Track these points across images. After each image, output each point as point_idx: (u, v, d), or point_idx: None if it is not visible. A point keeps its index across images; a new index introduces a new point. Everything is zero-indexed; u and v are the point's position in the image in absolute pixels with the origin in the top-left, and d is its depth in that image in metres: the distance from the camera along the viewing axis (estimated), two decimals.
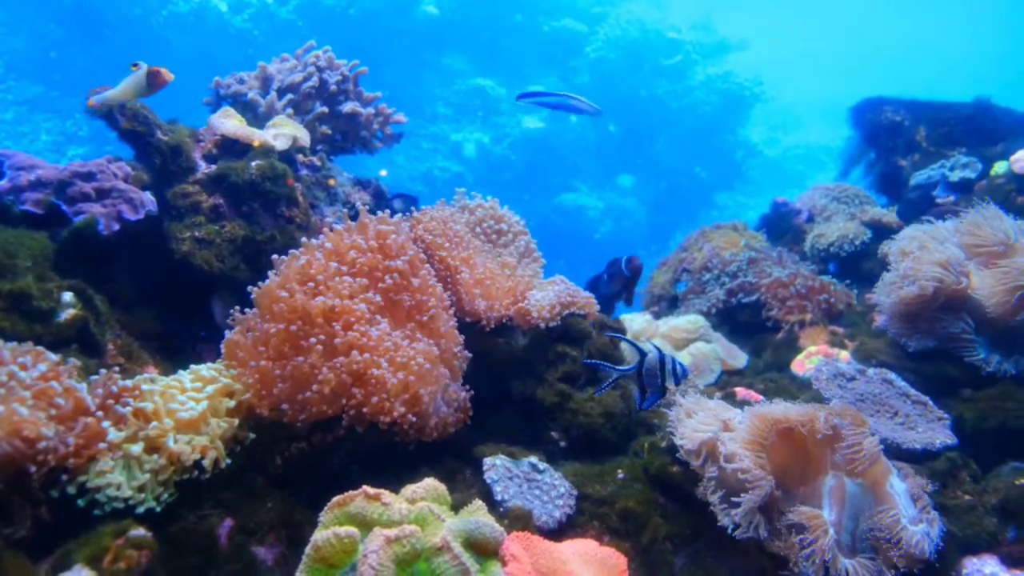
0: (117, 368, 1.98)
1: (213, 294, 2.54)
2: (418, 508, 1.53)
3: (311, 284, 1.99)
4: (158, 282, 2.49)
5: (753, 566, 1.84)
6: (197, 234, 2.44)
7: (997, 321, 2.50)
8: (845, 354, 2.97)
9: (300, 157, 2.98)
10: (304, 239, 2.16)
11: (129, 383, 1.77)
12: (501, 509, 1.87)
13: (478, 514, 1.59)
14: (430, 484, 1.66)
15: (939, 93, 4.44)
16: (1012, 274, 2.46)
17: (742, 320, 3.59)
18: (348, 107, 3.31)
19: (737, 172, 16.13)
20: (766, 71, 16.24)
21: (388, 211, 2.29)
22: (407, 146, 12.49)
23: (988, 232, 2.60)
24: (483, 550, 1.50)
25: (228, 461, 1.79)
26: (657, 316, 3.82)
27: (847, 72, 24.83)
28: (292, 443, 1.96)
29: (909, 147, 4.22)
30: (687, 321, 3.42)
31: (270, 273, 2.08)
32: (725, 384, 3.01)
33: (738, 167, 16.12)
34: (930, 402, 2.48)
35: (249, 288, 2.07)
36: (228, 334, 2.03)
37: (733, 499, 1.79)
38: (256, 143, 2.72)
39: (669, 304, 4.14)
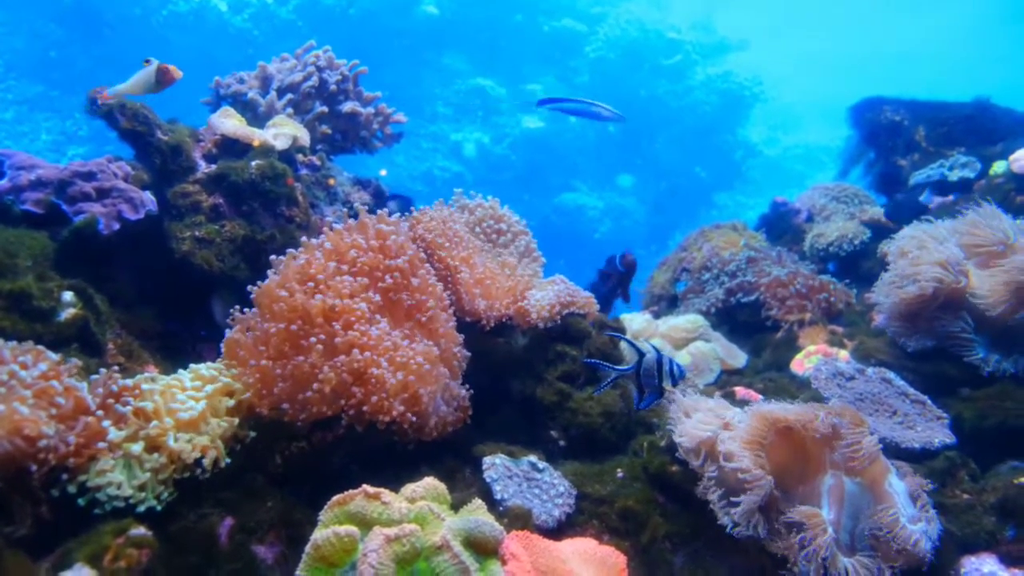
0: (117, 367, 1.98)
1: (213, 293, 2.54)
2: (418, 507, 1.53)
3: (311, 284, 2.00)
4: (158, 281, 2.50)
5: (752, 565, 1.85)
6: (197, 233, 2.44)
7: (996, 320, 2.50)
8: (844, 353, 2.97)
9: (300, 157, 2.98)
10: (304, 238, 2.16)
11: (129, 382, 1.77)
12: (501, 508, 1.87)
13: (478, 513, 1.59)
14: (430, 483, 1.66)
15: (938, 93, 4.45)
16: (1011, 272, 2.46)
17: (741, 319, 3.60)
18: (348, 107, 3.31)
19: (737, 172, 16.15)
20: (766, 71, 16.26)
21: (387, 210, 2.30)
22: (407, 146, 12.49)
23: (987, 232, 2.60)
24: (483, 549, 1.50)
25: (228, 460, 1.79)
26: (657, 316, 3.82)
27: (847, 72, 24.83)
28: (292, 442, 1.96)
29: (908, 147, 4.22)
30: (687, 320, 3.42)
31: (269, 272, 2.08)
32: (724, 383, 3.01)
33: (738, 167, 16.13)
34: (929, 401, 2.49)
35: (249, 288, 2.07)
36: (228, 333, 2.03)
37: (732, 498, 1.79)
38: (256, 143, 2.73)
39: (669, 304, 4.14)
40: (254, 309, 2.04)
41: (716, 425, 1.90)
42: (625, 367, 2.08)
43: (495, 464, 2.00)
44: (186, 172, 2.59)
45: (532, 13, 15.43)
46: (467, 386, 2.23)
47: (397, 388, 1.89)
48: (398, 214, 2.33)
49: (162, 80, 2.38)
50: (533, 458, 2.07)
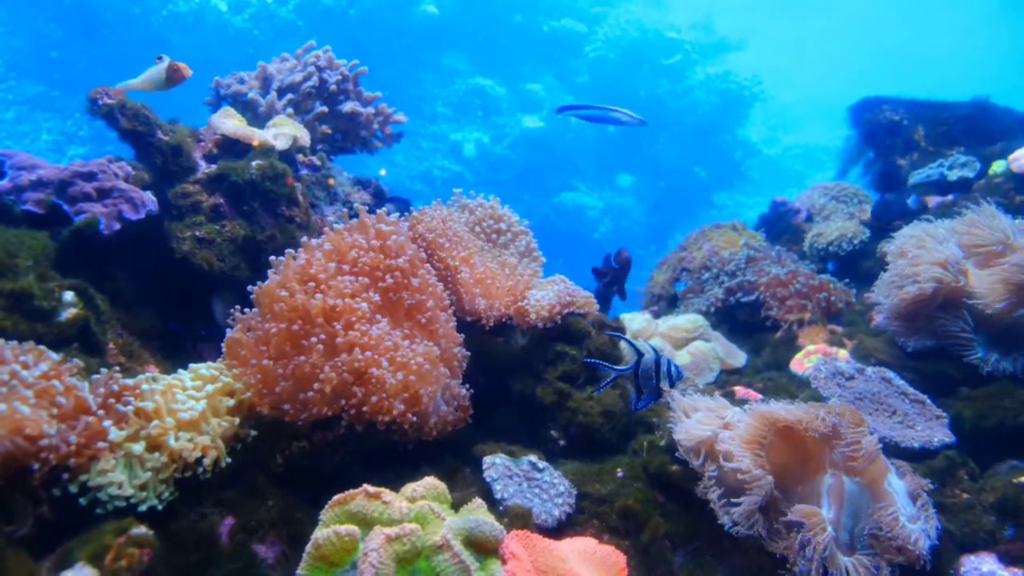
0: (118, 367, 1.98)
1: (214, 293, 2.54)
2: (418, 506, 1.54)
3: (311, 284, 2.00)
4: (159, 281, 2.50)
5: (752, 564, 1.85)
6: (198, 233, 2.44)
7: (995, 320, 2.51)
8: (844, 353, 2.98)
9: (300, 157, 2.98)
10: (304, 238, 2.17)
11: (130, 382, 1.77)
12: (501, 508, 1.87)
13: (478, 512, 1.60)
14: (430, 483, 1.66)
15: (938, 93, 4.45)
16: (1010, 271, 2.46)
17: (741, 319, 3.60)
18: (348, 107, 3.32)
19: (736, 172, 16.16)
20: (765, 71, 16.26)
21: (388, 206, 2.30)
22: (407, 146, 12.49)
23: (987, 232, 2.61)
24: (483, 548, 1.51)
25: (229, 460, 1.80)
26: (656, 315, 3.82)
27: (846, 72, 24.82)
28: (293, 442, 1.97)
29: (908, 146, 4.23)
30: (686, 320, 3.42)
31: (270, 272, 2.08)
32: (724, 383, 3.02)
33: (737, 167, 16.14)
34: (928, 401, 2.49)
35: (249, 288, 2.08)
36: (229, 333, 2.04)
37: (732, 498, 1.80)
38: (256, 143, 2.73)
39: (668, 303, 4.15)
40: (254, 309, 2.05)
41: (716, 425, 1.90)
42: (624, 367, 2.08)
43: (495, 464, 2.00)
44: (187, 172, 2.60)
45: (532, 13, 15.44)
46: (467, 385, 2.23)
47: (397, 388, 1.90)
48: (397, 214, 2.34)
49: (172, 78, 2.39)
50: (533, 458, 2.07)
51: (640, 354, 2.02)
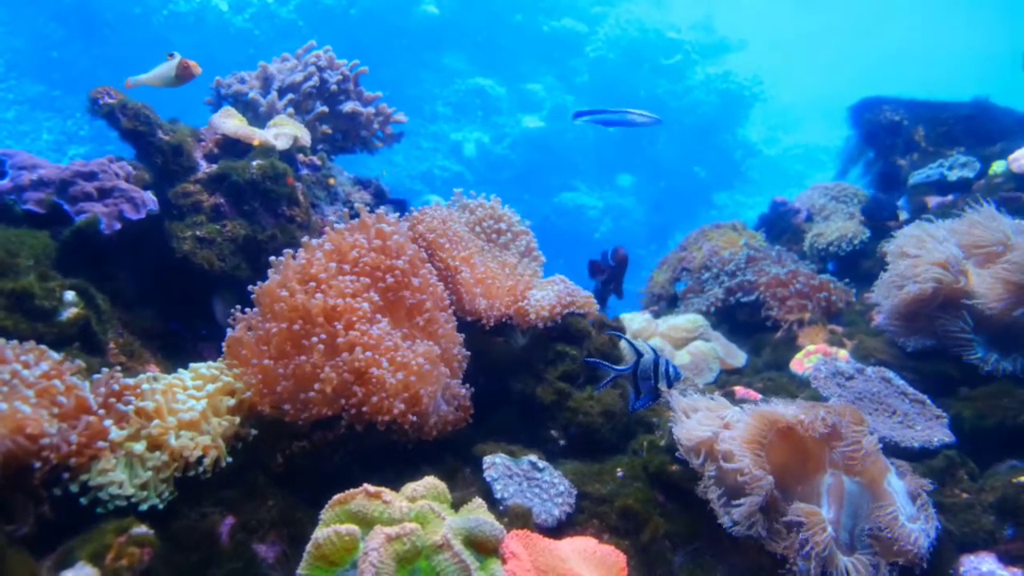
0: (119, 367, 1.99)
1: (214, 293, 2.54)
2: (418, 506, 1.54)
3: (312, 283, 2.00)
4: (159, 281, 2.50)
5: (752, 564, 1.85)
6: (198, 233, 2.44)
7: (995, 319, 2.51)
8: (844, 353, 2.98)
9: (301, 156, 2.99)
10: (305, 238, 2.17)
11: (131, 381, 1.78)
12: (501, 507, 1.88)
13: (478, 512, 1.60)
14: (430, 482, 1.66)
15: (938, 93, 4.46)
16: (1010, 270, 2.47)
17: (741, 319, 3.60)
18: (348, 107, 3.32)
19: (736, 172, 16.15)
20: (765, 71, 16.26)
21: (386, 208, 2.30)
22: (407, 145, 12.49)
23: (987, 232, 2.61)
24: (483, 548, 1.51)
25: (229, 459, 1.80)
26: (657, 315, 3.82)
27: (846, 72, 24.83)
28: (293, 441, 1.97)
29: (908, 146, 4.23)
30: (686, 320, 3.43)
31: (270, 272, 2.09)
32: (724, 383, 3.02)
33: (737, 167, 16.14)
34: (928, 400, 2.49)
35: (250, 287, 2.08)
36: (230, 332, 2.04)
37: (732, 498, 1.80)
38: (257, 142, 2.73)
39: (668, 303, 4.15)
40: (255, 309, 2.05)
41: (716, 425, 1.90)
42: (623, 367, 2.08)
43: (495, 463, 2.00)
44: (187, 172, 2.60)
45: (532, 13, 15.44)
46: (467, 385, 2.23)
47: (398, 388, 1.90)
48: (396, 214, 2.34)
49: (182, 75, 2.40)
50: (533, 457, 2.07)
51: (639, 354, 2.02)
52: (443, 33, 14.72)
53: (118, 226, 2.34)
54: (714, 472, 1.86)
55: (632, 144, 15.43)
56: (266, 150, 2.72)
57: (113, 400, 1.69)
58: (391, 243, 2.18)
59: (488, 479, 1.96)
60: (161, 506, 1.64)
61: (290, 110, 3.16)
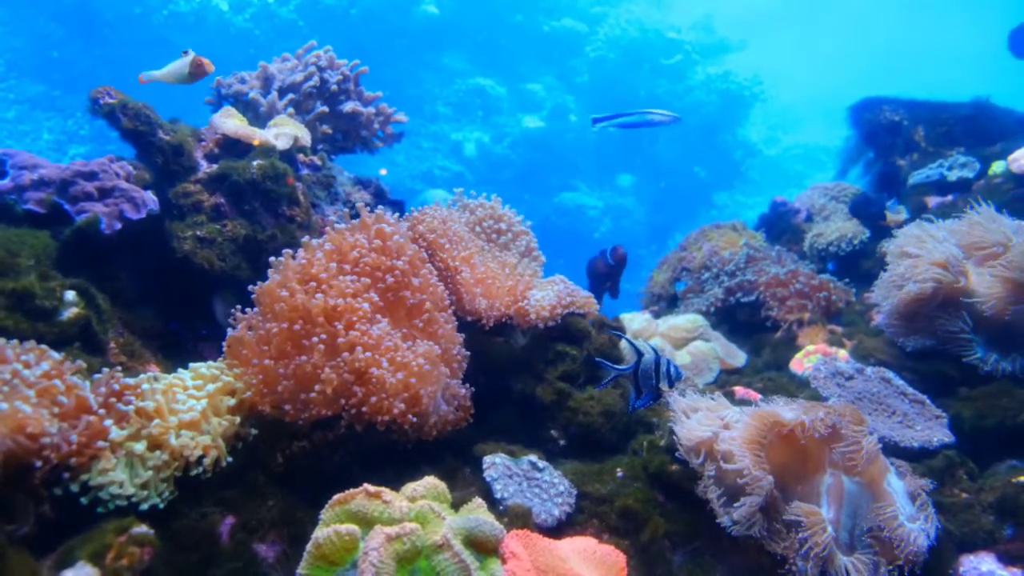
0: (119, 366, 1.99)
1: (215, 293, 2.55)
2: (418, 506, 1.54)
3: (312, 283, 2.00)
4: (160, 281, 2.50)
5: (751, 564, 1.85)
6: (199, 233, 2.45)
7: (994, 319, 2.51)
8: (843, 353, 2.98)
9: (301, 156, 2.99)
10: (305, 238, 2.17)
11: (131, 381, 1.78)
12: (501, 507, 1.88)
13: (478, 512, 1.60)
14: (430, 482, 1.67)
15: (938, 93, 4.45)
16: (1009, 269, 2.47)
17: (741, 319, 3.60)
18: (349, 107, 3.32)
19: (736, 172, 16.16)
20: (765, 71, 16.26)
21: (384, 209, 2.30)
22: (407, 145, 12.50)
23: (987, 232, 2.61)
24: (483, 548, 1.51)
25: (229, 459, 1.80)
26: (656, 315, 3.83)
27: (846, 72, 24.82)
28: (293, 441, 1.97)
29: (907, 146, 4.23)
30: (686, 320, 3.43)
31: (270, 272, 2.09)
32: (724, 383, 3.02)
33: (737, 167, 16.14)
34: (928, 401, 2.50)
35: (250, 287, 2.08)
36: (230, 332, 2.04)
37: (731, 497, 1.80)
38: (257, 142, 2.73)
39: (668, 303, 4.15)
40: (255, 308, 2.05)
41: (716, 425, 1.91)
42: (624, 367, 2.09)
43: (495, 463, 2.01)
44: (188, 172, 2.60)
45: (532, 13, 15.44)
46: (467, 385, 2.24)
47: (397, 388, 1.90)
48: (396, 215, 2.34)
49: (196, 72, 2.40)
50: (533, 457, 2.08)
51: (640, 354, 2.03)
52: (443, 33, 14.73)
53: (119, 226, 2.34)
54: (713, 472, 1.86)
55: (632, 144, 15.43)
56: (266, 150, 2.72)
57: (113, 400, 1.70)
58: (391, 243, 2.18)
59: (488, 479, 1.96)
60: (161, 506, 1.64)
61: (290, 110, 3.16)
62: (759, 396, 2.65)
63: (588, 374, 2.47)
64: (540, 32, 15.56)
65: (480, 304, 2.42)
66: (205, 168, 2.64)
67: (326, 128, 3.30)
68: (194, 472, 1.73)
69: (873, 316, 3.21)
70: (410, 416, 1.91)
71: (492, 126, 14.98)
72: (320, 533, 1.45)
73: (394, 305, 2.14)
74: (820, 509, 1.78)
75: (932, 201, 3.83)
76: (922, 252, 2.67)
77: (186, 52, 2.39)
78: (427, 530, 1.49)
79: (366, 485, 1.55)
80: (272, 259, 2.11)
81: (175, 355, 2.38)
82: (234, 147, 2.75)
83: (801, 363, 3.01)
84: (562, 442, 2.33)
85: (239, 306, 2.09)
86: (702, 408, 2.01)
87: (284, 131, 2.87)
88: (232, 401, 1.89)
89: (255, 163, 2.62)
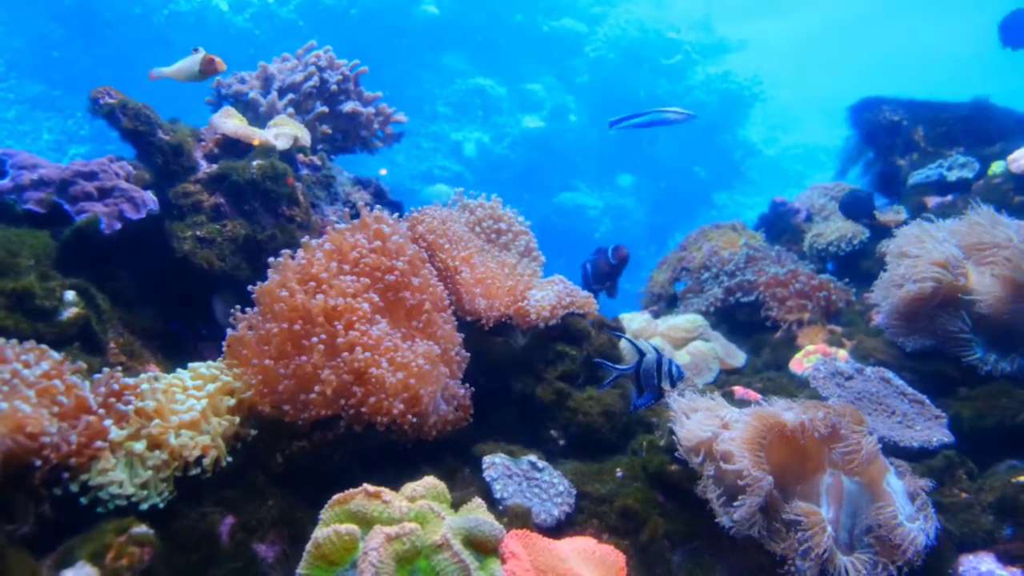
0: (119, 366, 1.99)
1: (214, 293, 2.55)
2: (418, 506, 1.54)
3: (312, 283, 2.00)
4: (160, 281, 2.50)
5: (751, 563, 1.85)
6: (198, 233, 2.45)
7: (994, 319, 2.51)
8: (843, 353, 2.98)
9: (301, 156, 2.99)
10: (305, 238, 2.17)
11: (131, 381, 1.78)
12: (500, 507, 1.88)
13: (478, 512, 1.60)
14: (430, 482, 1.67)
15: (938, 93, 4.45)
16: (1009, 268, 2.47)
17: (741, 319, 3.60)
18: (349, 107, 3.32)
19: (736, 172, 16.16)
20: (765, 71, 16.25)
21: (384, 209, 2.30)
22: (407, 145, 12.49)
23: (987, 233, 2.61)
24: (483, 548, 1.51)
25: (229, 459, 1.80)
26: (656, 315, 3.83)
27: (846, 72, 24.82)
28: (293, 441, 1.97)
29: (907, 146, 4.23)
30: (686, 320, 3.43)
31: (269, 272, 2.09)
32: (723, 383, 3.02)
33: (737, 167, 16.14)
34: (927, 401, 2.50)
35: (250, 287, 2.08)
36: (230, 332, 2.04)
37: (731, 497, 1.80)
38: (257, 142, 2.73)
39: (668, 303, 4.15)
40: (255, 308, 2.05)
41: (716, 425, 1.91)
42: (625, 367, 2.09)
43: (495, 463, 2.01)
44: (187, 172, 2.60)
45: (532, 13, 15.43)
46: (467, 385, 2.24)
47: (397, 388, 1.90)
48: (396, 215, 2.34)
49: (207, 69, 2.40)
50: (533, 457, 2.08)
51: (642, 353, 2.03)
52: (443, 33, 14.72)
53: (118, 226, 2.34)
54: (713, 472, 1.86)
55: (632, 144, 15.43)
56: (266, 150, 2.72)
57: (113, 400, 1.70)
58: (391, 243, 2.18)
59: (488, 479, 1.96)
60: (161, 505, 1.64)
61: (290, 110, 3.16)
62: (759, 396, 2.65)
63: (588, 374, 2.47)
64: (540, 32, 15.56)
65: (480, 304, 2.42)
66: (205, 168, 2.64)
67: (326, 128, 3.30)
68: (194, 472, 1.73)
69: (873, 316, 3.21)
70: (410, 416, 1.91)
71: (492, 126, 14.97)
72: (320, 533, 1.45)
73: (394, 305, 2.14)
74: (820, 509, 1.78)
75: (932, 201, 3.83)
76: (922, 252, 2.67)
77: (196, 49, 2.39)
78: (427, 530, 1.49)
79: (366, 485, 1.55)
80: (272, 259, 2.11)
81: (175, 355, 2.38)
82: (234, 147, 2.75)
83: (801, 363, 3.01)
84: (562, 442, 2.33)
85: (239, 306, 2.09)
86: (702, 408, 2.01)
87: (284, 131, 2.87)
88: (232, 401, 1.89)
89: (255, 163, 2.62)
